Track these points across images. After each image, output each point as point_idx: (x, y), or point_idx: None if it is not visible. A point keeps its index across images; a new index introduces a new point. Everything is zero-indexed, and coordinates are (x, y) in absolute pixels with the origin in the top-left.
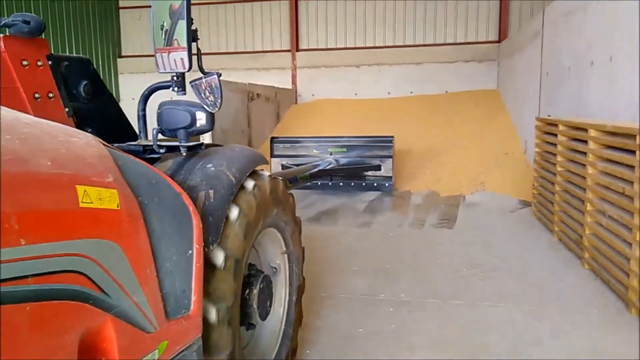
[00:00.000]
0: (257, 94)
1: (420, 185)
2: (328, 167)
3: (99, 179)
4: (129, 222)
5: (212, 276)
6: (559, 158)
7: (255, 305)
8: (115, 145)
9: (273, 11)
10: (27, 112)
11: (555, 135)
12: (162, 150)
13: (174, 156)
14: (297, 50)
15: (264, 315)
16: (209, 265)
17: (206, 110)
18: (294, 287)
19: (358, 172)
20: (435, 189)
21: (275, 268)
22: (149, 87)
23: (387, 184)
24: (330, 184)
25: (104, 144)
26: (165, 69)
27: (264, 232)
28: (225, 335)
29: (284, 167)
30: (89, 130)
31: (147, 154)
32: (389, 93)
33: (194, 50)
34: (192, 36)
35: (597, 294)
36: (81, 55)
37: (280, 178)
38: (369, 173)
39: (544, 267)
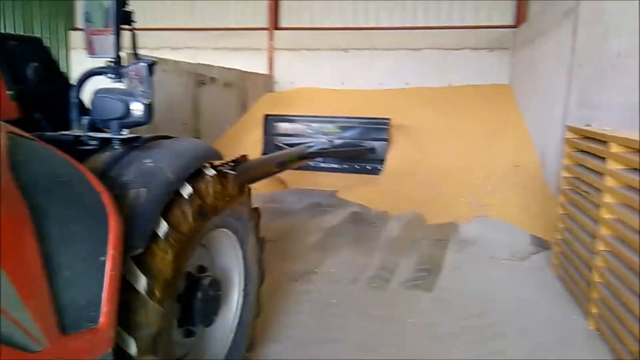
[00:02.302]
0: (212, 78)
1: (403, 204)
2: (320, 149)
3: None
4: (10, 231)
5: (132, 300)
6: (607, 198)
7: (197, 313)
8: (46, 134)
9: None
10: None
11: (602, 158)
12: (93, 142)
13: (112, 149)
14: (276, 28)
15: (208, 323)
16: (130, 288)
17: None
18: (249, 286)
19: (351, 155)
20: (422, 211)
21: (227, 269)
22: (84, 72)
23: (379, 167)
24: (323, 165)
25: (17, 134)
26: (95, 53)
27: (212, 234)
28: None
29: (277, 146)
30: (37, 116)
31: (79, 146)
32: (380, 84)
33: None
34: (125, 18)
35: None
36: (32, 34)
37: (231, 172)
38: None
39: None
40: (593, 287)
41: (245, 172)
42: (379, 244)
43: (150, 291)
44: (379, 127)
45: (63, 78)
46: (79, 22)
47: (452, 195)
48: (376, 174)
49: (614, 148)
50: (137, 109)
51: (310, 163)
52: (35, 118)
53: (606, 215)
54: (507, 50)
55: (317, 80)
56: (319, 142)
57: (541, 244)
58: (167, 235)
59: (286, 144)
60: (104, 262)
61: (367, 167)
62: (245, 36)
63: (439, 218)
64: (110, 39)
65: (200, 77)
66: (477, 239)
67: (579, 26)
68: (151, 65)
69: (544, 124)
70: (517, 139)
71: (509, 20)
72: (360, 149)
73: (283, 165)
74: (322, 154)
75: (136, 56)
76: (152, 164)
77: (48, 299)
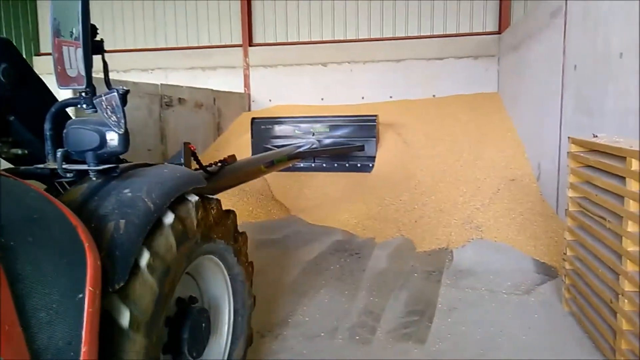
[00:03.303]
0: (180, 99)
1: (390, 229)
2: (310, 149)
3: None
4: None
5: (115, 335)
6: (631, 227)
7: (185, 347)
8: (22, 168)
9: None
10: None
11: (620, 177)
12: (69, 175)
13: (90, 180)
14: (251, 44)
15: (197, 353)
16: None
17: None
18: (239, 312)
19: (340, 153)
20: (411, 236)
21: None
22: (56, 104)
23: (370, 164)
24: (313, 165)
25: None
26: (65, 84)
27: (199, 262)
28: None
29: (266, 149)
30: (11, 119)
31: (55, 179)
32: (362, 98)
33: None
34: (96, 47)
35: None
36: None
37: (214, 198)
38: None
39: None
40: (621, 336)
41: (234, 172)
42: (364, 281)
43: (133, 325)
44: (367, 125)
45: (35, 79)
46: (43, 47)
47: (443, 214)
48: (367, 171)
49: (635, 165)
50: (112, 139)
51: (301, 164)
52: (8, 121)
53: (631, 247)
54: (493, 58)
55: (296, 96)
56: (308, 142)
57: (547, 271)
58: (149, 265)
59: (275, 147)
60: (82, 299)
61: (358, 165)
62: (219, 54)
63: (429, 243)
64: (81, 69)
65: (166, 99)
66: (473, 267)
67: (569, 26)
68: (124, 95)
69: (538, 133)
70: (509, 151)
71: (492, 26)
72: (349, 147)
73: (272, 165)
74: (312, 153)
75: (108, 85)
76: (130, 194)
77: (21, 341)
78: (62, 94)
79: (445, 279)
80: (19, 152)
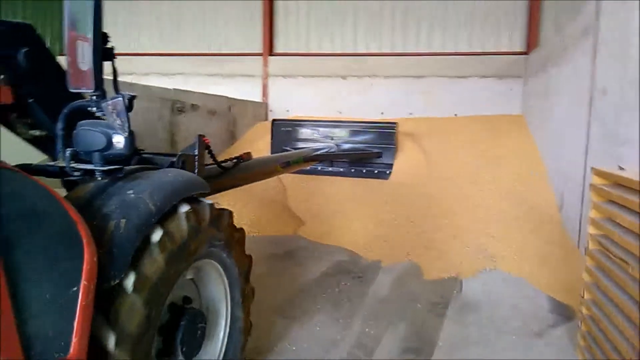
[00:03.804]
0: (193, 105)
1: (398, 252)
2: (327, 152)
3: None
4: None
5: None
6: None
7: (178, 346)
8: (33, 165)
9: (244, 4)
10: None
11: None
12: (76, 174)
13: (96, 179)
14: (271, 54)
15: (190, 355)
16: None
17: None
18: (235, 328)
19: (358, 158)
20: (420, 261)
21: (212, 305)
22: (68, 106)
23: (387, 172)
24: (330, 169)
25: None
26: (76, 81)
27: (201, 266)
28: None
29: (284, 151)
30: (30, 101)
31: (64, 176)
32: (382, 113)
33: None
34: (106, 54)
35: None
36: (21, 20)
37: (227, 210)
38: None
39: None
40: None
41: (249, 169)
42: (362, 308)
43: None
44: (386, 132)
45: (55, 64)
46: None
47: (456, 240)
48: (384, 178)
49: None
50: (118, 141)
51: (318, 167)
52: (28, 103)
53: None
54: (519, 79)
55: (314, 108)
56: (327, 146)
57: (562, 311)
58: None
59: (294, 149)
60: (77, 292)
61: (375, 171)
62: (238, 62)
63: (439, 271)
64: (91, 73)
65: (178, 104)
66: (482, 301)
67: (599, 46)
68: (130, 100)
69: (563, 161)
70: (531, 178)
71: (519, 46)
72: (367, 153)
73: (288, 165)
74: (328, 156)
75: (116, 90)
76: (133, 195)
77: (13, 328)
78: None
79: (450, 313)
80: (37, 133)
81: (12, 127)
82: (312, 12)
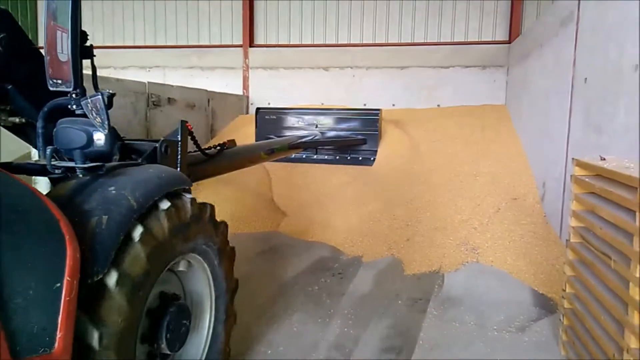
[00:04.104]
0: (169, 99)
1: (380, 247)
2: (312, 140)
3: None
4: None
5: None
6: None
7: (163, 337)
8: (14, 163)
9: None
10: None
11: (631, 211)
12: (57, 171)
13: (77, 177)
14: (251, 45)
15: (174, 347)
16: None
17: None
18: (220, 319)
19: (342, 145)
20: (402, 256)
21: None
22: (47, 104)
23: (372, 158)
24: (315, 156)
25: None
26: (55, 81)
27: (184, 260)
28: None
29: (268, 139)
30: (9, 87)
31: (45, 175)
32: (364, 104)
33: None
34: (85, 52)
35: None
36: None
37: (208, 204)
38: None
39: None
40: None
41: (233, 156)
42: (342, 306)
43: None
44: (370, 118)
45: (33, 49)
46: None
47: (438, 233)
48: (369, 164)
49: None
50: (99, 138)
51: (303, 155)
52: (6, 89)
53: (638, 296)
54: (502, 68)
55: (296, 101)
56: (311, 134)
57: (545, 304)
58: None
59: (279, 137)
60: (60, 288)
61: (360, 158)
62: (218, 54)
63: (420, 265)
64: (70, 71)
65: (153, 98)
66: (464, 296)
67: (580, 34)
68: (109, 98)
69: (544, 150)
70: (513, 167)
71: (502, 35)
72: (351, 139)
73: (273, 152)
74: (313, 143)
75: (95, 88)
76: (115, 192)
77: None
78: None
79: (432, 309)
80: (17, 120)
81: None
82: (293, 3)
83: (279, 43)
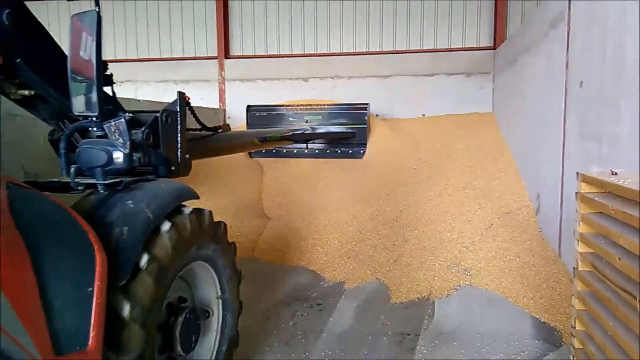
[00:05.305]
0: None
1: (363, 270)
2: (304, 133)
3: None
4: (11, 264)
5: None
6: None
7: (177, 335)
8: (40, 181)
9: (197, 5)
10: None
11: None
12: (80, 188)
13: (98, 192)
14: (227, 56)
15: (187, 348)
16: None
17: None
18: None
19: (332, 138)
20: (388, 280)
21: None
22: (70, 127)
23: (361, 151)
24: (306, 151)
25: (16, 184)
26: (78, 110)
27: (191, 267)
28: None
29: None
30: (18, 61)
31: (69, 191)
32: None
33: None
34: (106, 80)
35: None
36: None
37: (206, 210)
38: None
39: None
40: None
41: (228, 139)
42: (318, 347)
43: (133, 317)
44: (358, 112)
45: (37, 24)
46: None
47: (426, 253)
48: (359, 157)
49: None
50: (118, 157)
51: (294, 150)
52: (15, 63)
53: None
54: (488, 75)
55: None
56: (302, 128)
57: (549, 337)
58: (147, 266)
59: None
60: (92, 292)
61: (349, 151)
62: (193, 66)
63: (408, 291)
64: (94, 98)
65: None
66: (457, 328)
67: (573, 34)
68: (129, 121)
69: (537, 160)
70: (504, 179)
71: (486, 41)
72: (340, 132)
73: (265, 141)
74: (304, 135)
75: (116, 111)
76: (132, 205)
77: (44, 323)
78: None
79: (422, 346)
80: (26, 93)
81: (0, 89)
82: (269, 12)
83: (256, 54)
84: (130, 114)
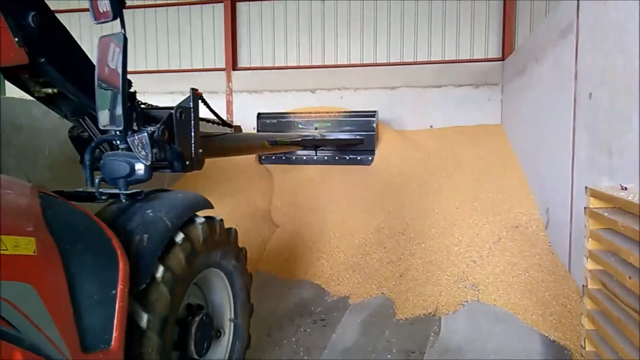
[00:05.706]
0: None
1: (369, 285)
2: (312, 138)
3: (17, 228)
4: (45, 266)
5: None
6: None
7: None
8: (66, 191)
9: (205, 17)
10: None
11: None
12: (103, 197)
13: (119, 201)
14: (235, 68)
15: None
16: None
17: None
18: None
19: (340, 145)
20: (393, 295)
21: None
22: (95, 140)
23: (369, 158)
24: (315, 157)
25: (45, 193)
26: (103, 124)
27: (204, 274)
28: None
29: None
30: (42, 60)
31: (93, 201)
32: None
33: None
34: (130, 97)
35: None
36: None
37: (218, 218)
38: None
39: None
40: None
41: (240, 140)
42: None
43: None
44: (367, 120)
45: (60, 26)
46: None
47: (433, 267)
48: (367, 164)
49: None
50: (140, 168)
51: (303, 156)
52: (39, 62)
53: None
54: (496, 86)
55: None
56: (311, 134)
57: (559, 355)
58: (164, 272)
59: None
60: (115, 295)
61: (358, 158)
62: (200, 78)
63: (414, 306)
64: (119, 112)
65: None
66: (464, 345)
67: (581, 44)
68: (151, 135)
69: (546, 173)
70: (513, 192)
71: (495, 52)
72: (349, 139)
73: (275, 144)
74: (313, 141)
75: (139, 126)
76: (152, 214)
77: (72, 322)
78: None
79: None
80: (49, 91)
81: (26, 88)
82: (277, 25)
83: (264, 65)
84: (152, 129)
